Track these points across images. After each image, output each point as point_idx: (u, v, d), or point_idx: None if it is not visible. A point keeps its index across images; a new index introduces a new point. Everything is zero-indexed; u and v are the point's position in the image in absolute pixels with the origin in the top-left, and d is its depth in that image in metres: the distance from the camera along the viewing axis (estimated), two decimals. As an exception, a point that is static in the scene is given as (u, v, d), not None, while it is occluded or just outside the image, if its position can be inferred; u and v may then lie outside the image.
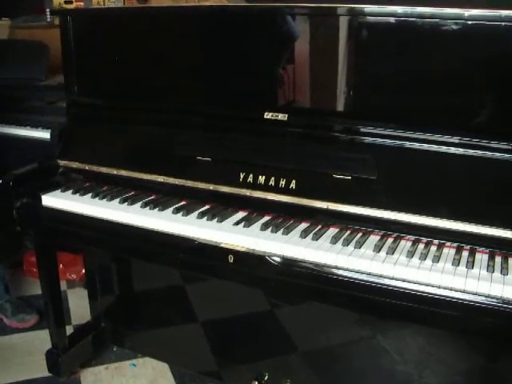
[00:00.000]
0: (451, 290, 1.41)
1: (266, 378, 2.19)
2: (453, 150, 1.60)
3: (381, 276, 1.47)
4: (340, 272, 1.52)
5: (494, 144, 1.56)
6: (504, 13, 1.48)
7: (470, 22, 1.53)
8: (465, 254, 1.52)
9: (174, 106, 1.97)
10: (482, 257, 1.51)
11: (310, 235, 1.62)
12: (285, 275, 1.60)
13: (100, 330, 2.50)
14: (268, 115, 1.78)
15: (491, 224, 1.50)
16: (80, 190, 1.97)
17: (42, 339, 2.49)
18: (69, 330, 2.56)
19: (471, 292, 1.39)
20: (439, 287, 1.42)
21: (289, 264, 1.57)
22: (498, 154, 1.55)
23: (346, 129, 1.73)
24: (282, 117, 1.77)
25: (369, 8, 1.64)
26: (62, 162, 2.10)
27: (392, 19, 1.62)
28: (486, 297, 1.37)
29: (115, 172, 2.01)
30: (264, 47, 1.81)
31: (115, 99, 2.10)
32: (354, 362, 2.04)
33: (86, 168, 2.06)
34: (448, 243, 1.57)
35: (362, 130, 1.70)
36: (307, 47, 1.75)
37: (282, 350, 2.16)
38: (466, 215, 1.53)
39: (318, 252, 1.55)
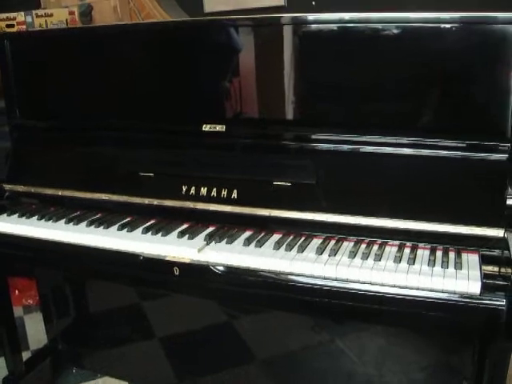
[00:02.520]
0: (394, 286, 1.34)
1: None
2: (388, 149, 1.54)
3: (324, 278, 1.40)
4: (283, 277, 1.44)
5: (429, 141, 1.51)
6: (443, 15, 1.44)
7: (410, 25, 1.49)
8: (406, 250, 1.46)
9: (115, 123, 1.88)
10: (423, 252, 1.45)
11: (253, 243, 1.54)
12: (231, 284, 1.51)
13: (58, 353, 2.36)
14: (206, 127, 1.71)
15: (430, 220, 1.45)
16: (26, 213, 1.86)
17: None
18: (27, 355, 2.41)
19: (414, 287, 1.32)
20: (382, 285, 1.35)
21: (233, 272, 1.49)
22: (429, 151, 1.51)
23: (283, 136, 1.66)
24: (219, 128, 1.69)
25: (304, 17, 1.58)
26: (7, 187, 1.98)
27: (332, 26, 1.57)
28: (429, 291, 1.30)
29: (60, 193, 1.91)
30: (200, 60, 1.74)
31: (57, 120, 2.00)
32: (315, 367, 1.94)
33: (32, 191, 1.95)
34: (390, 241, 1.51)
35: (299, 135, 1.64)
36: (243, 58, 1.69)
37: (241, 361, 2.07)
38: (405, 213, 1.48)
39: (261, 258, 1.47)
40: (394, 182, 1.53)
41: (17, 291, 2.71)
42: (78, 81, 1.95)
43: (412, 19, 1.48)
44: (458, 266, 1.35)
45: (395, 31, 1.50)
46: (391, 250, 1.48)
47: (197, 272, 1.53)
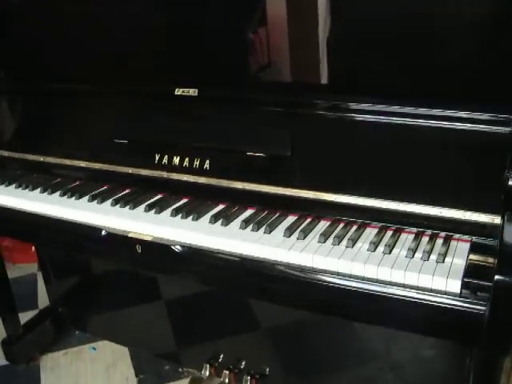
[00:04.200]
0: (363, 279, 1.13)
1: (219, 360, 1.95)
2: (370, 118, 1.29)
3: (288, 266, 1.20)
4: (248, 262, 1.24)
5: (421, 111, 1.24)
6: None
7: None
8: (388, 234, 1.24)
9: (89, 87, 1.70)
10: (407, 237, 1.23)
11: (220, 221, 1.34)
12: (192, 265, 1.33)
13: (59, 315, 2.28)
14: (179, 91, 1.49)
15: (415, 200, 1.22)
16: (6, 181, 1.72)
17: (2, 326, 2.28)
18: (34, 314, 2.35)
19: (385, 281, 1.11)
20: (350, 276, 1.14)
21: (194, 253, 1.30)
22: (420, 121, 1.24)
23: (258, 101, 1.43)
24: (192, 92, 1.48)
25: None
26: (-7, 152, 1.85)
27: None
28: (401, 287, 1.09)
29: (42, 159, 1.76)
30: (172, 18, 1.52)
31: (36, 83, 1.83)
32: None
33: (16, 156, 1.82)
34: (372, 223, 1.29)
35: (276, 100, 1.40)
36: (214, 16, 1.45)
37: (240, 331, 1.91)
38: (388, 192, 1.25)
39: (222, 239, 1.28)
40: (378, 156, 1.28)
41: (33, 247, 2.62)
42: (54, 40, 1.76)
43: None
44: (441, 258, 1.11)
45: None
46: (371, 232, 1.26)
47: (157, 251, 1.35)
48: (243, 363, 1.92)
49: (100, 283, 2.20)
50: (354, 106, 1.30)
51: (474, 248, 1.16)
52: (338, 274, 1.15)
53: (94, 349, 2.21)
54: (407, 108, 1.24)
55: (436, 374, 1.56)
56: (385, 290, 1.09)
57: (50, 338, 2.23)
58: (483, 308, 1.01)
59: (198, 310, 1.99)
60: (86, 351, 2.21)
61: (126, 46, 1.62)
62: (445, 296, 1.05)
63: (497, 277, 0.98)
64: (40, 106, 1.80)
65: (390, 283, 1.10)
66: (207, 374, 1.93)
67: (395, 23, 1.27)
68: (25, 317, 2.27)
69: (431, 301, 1.06)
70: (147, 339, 2.13)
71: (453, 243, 1.19)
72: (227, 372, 1.90)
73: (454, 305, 1.04)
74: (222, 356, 1.96)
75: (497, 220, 1.14)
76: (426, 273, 1.08)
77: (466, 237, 1.19)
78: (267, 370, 1.88)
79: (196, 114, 1.48)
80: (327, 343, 1.73)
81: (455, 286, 1.05)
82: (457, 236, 1.20)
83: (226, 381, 1.90)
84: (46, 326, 2.22)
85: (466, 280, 1.05)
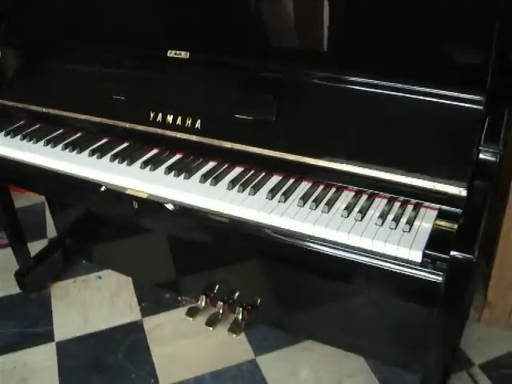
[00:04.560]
0: (335, 244, 1.24)
1: (215, 291, 2.11)
2: (349, 88, 1.35)
3: (270, 228, 1.30)
4: (231, 221, 1.35)
5: (399, 85, 1.30)
6: None
7: None
8: (363, 198, 1.34)
9: (92, 45, 1.73)
10: (380, 202, 1.32)
11: (209, 180, 1.44)
12: (185, 222, 1.44)
13: (67, 246, 2.42)
14: (171, 53, 1.54)
15: (390, 168, 1.30)
16: (11, 132, 1.80)
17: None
18: (43, 243, 2.50)
19: (355, 247, 1.22)
20: (324, 241, 1.25)
21: (185, 212, 1.41)
22: (398, 94, 1.30)
23: (247, 67, 1.48)
24: (184, 54, 1.52)
25: None
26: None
27: None
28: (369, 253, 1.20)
29: (44, 110, 1.82)
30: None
31: (40, 37, 1.86)
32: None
33: (20, 106, 1.88)
34: (349, 187, 1.38)
35: (264, 66, 1.46)
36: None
37: (234, 265, 2.05)
38: (366, 159, 1.33)
39: (210, 200, 1.38)
40: (356, 125, 1.35)
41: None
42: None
43: None
44: (407, 227, 1.21)
45: None
46: (348, 195, 1.35)
47: (152, 208, 1.46)
48: (236, 295, 2.07)
49: (103, 215, 2.31)
50: (337, 76, 1.35)
51: (442, 215, 1.25)
52: (313, 238, 1.25)
53: (100, 277, 2.37)
54: (385, 82, 1.29)
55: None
56: (353, 256, 1.20)
57: (59, 268, 2.38)
58: (440, 278, 1.12)
59: (197, 243, 2.11)
60: (92, 280, 2.37)
61: (127, 8, 1.64)
62: (407, 264, 1.16)
63: (452, 252, 1.08)
64: (42, 59, 1.84)
65: (359, 249, 1.20)
66: (203, 304, 2.09)
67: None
68: (34, 246, 2.40)
69: (395, 268, 1.17)
70: (148, 269, 2.27)
71: (422, 210, 1.29)
72: (221, 303, 2.06)
73: (414, 273, 1.15)
74: (217, 287, 2.11)
75: (464, 192, 1.23)
76: (392, 242, 1.18)
77: (434, 205, 1.28)
78: (258, 301, 2.03)
79: (187, 75, 1.54)
80: (315, 281, 1.86)
81: (417, 256, 1.15)
82: (426, 204, 1.29)
83: (221, 311, 2.07)
84: (55, 257, 2.36)
85: (426, 252, 1.15)
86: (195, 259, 2.13)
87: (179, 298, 2.23)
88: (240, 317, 2.03)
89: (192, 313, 2.09)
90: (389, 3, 1.31)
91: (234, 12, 1.49)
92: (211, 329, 2.02)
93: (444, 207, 1.27)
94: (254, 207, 1.33)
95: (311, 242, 1.25)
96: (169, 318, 2.15)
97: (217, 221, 1.37)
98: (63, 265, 2.41)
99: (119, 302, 2.25)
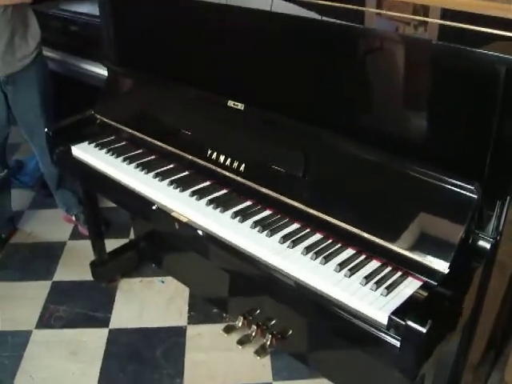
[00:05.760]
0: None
1: (254, 315, 2.29)
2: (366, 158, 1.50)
3: (286, 275, 1.47)
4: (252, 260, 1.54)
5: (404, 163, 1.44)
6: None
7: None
8: (361, 257, 1.48)
9: (176, 83, 1.99)
10: (374, 264, 1.46)
11: (238, 217, 1.64)
12: (210, 250, 1.67)
13: (140, 249, 2.73)
14: (230, 103, 1.78)
15: (387, 237, 1.43)
16: (99, 145, 2.12)
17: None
18: (124, 242, 2.84)
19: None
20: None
21: (212, 240, 1.63)
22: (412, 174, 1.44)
23: (286, 124, 1.68)
24: (240, 106, 1.76)
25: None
26: (98, 116, 2.25)
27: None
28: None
29: (130, 131, 2.12)
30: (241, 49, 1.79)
31: (136, 70, 2.18)
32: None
33: (113, 124, 2.20)
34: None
35: (301, 128, 1.65)
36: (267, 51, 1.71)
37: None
38: (367, 225, 1.47)
39: (227, 231, 1.61)
40: (370, 196, 1.50)
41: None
42: (154, 40, 2.10)
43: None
44: (385, 291, 1.34)
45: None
46: (348, 252, 1.50)
47: (189, 231, 1.69)
48: (271, 323, 2.23)
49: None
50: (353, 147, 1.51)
51: (426, 286, 1.36)
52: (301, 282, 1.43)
53: (163, 282, 2.65)
54: (397, 160, 1.44)
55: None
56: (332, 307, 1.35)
57: (130, 266, 2.69)
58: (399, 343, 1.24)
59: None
60: (155, 283, 2.65)
61: (208, 61, 1.91)
62: (374, 324, 1.28)
63: (408, 320, 1.20)
64: (137, 87, 2.16)
65: (337, 301, 1.35)
66: (240, 324, 2.28)
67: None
68: (116, 243, 2.76)
69: (365, 326, 1.30)
70: (203, 284, 2.50)
71: (409, 278, 1.40)
72: (255, 327, 2.24)
73: (379, 334, 1.27)
74: (257, 312, 2.29)
75: (447, 271, 1.33)
76: (366, 302, 1.31)
77: (421, 276, 1.39)
78: (289, 333, 2.18)
79: (240, 124, 1.76)
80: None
81: (383, 318, 1.27)
82: (414, 273, 1.40)
83: (253, 334, 2.24)
84: (128, 256, 2.67)
85: (391, 316, 1.26)
86: (244, 285, 2.32)
87: (224, 315, 2.44)
88: (268, 343, 2.18)
89: (228, 329, 2.28)
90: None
91: (285, 80, 1.69)
92: (240, 347, 2.19)
93: (429, 280, 1.37)
94: (266, 247, 1.51)
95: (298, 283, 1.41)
96: (209, 330, 2.37)
97: (237, 252, 1.57)
98: (135, 264, 2.71)
99: (172, 307, 2.50)
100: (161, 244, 2.66)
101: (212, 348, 2.27)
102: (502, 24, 1.41)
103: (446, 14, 1.57)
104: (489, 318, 1.63)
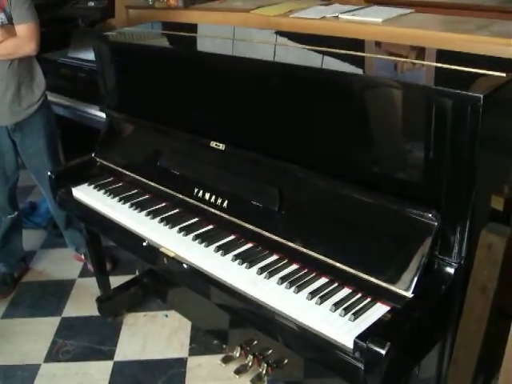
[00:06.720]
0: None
1: (251, 345, 2.34)
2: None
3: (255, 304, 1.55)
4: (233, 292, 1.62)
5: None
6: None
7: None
8: (333, 285, 1.55)
9: (164, 127, 2.11)
10: (345, 291, 1.53)
11: (221, 251, 1.72)
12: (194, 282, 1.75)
13: (145, 284, 2.81)
14: (213, 144, 1.88)
15: (356, 266, 1.50)
16: (97, 187, 2.23)
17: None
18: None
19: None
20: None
21: (196, 273, 1.72)
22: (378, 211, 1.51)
23: (261, 162, 1.77)
24: (221, 146, 1.85)
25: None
26: (97, 159, 2.38)
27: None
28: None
29: (126, 172, 2.23)
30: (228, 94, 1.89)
31: (131, 115, 2.30)
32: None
33: (111, 166, 2.32)
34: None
35: (272, 164, 1.75)
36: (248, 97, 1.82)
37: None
38: (335, 253, 1.54)
39: (216, 267, 1.69)
40: (339, 229, 1.58)
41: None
42: (145, 88, 2.23)
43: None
44: (352, 317, 1.40)
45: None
46: (321, 281, 1.57)
47: (176, 265, 1.78)
48: (268, 352, 2.28)
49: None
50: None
51: (393, 311, 1.42)
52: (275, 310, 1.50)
53: (167, 316, 2.71)
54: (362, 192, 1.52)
55: None
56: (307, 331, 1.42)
57: (135, 301, 2.77)
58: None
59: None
60: (159, 317, 2.72)
61: (192, 107, 2.03)
62: (343, 349, 1.34)
63: (368, 342, 1.26)
64: (128, 131, 2.29)
65: (308, 327, 1.42)
66: (237, 354, 2.34)
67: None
68: (122, 279, 2.85)
69: (332, 350, 1.36)
70: (204, 318, 2.56)
71: (378, 304, 1.46)
72: (251, 356, 2.29)
73: (345, 357, 1.33)
74: (254, 343, 2.34)
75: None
76: (334, 327, 1.38)
77: (389, 302, 1.45)
78: (284, 362, 2.23)
79: (221, 163, 1.86)
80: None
81: (349, 341, 1.33)
82: (382, 299, 1.46)
83: (250, 363, 2.29)
84: (133, 291, 2.76)
85: (356, 340, 1.32)
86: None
87: (223, 346, 2.49)
88: (264, 372, 2.23)
89: (226, 360, 2.33)
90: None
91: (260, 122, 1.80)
92: (237, 377, 2.24)
93: (396, 305, 1.43)
94: (244, 280, 1.59)
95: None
96: (209, 361, 2.42)
97: (219, 283, 1.64)
98: (140, 299, 2.79)
99: (175, 339, 2.57)
100: (164, 279, 2.73)
101: (211, 378, 2.33)
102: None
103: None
104: (475, 343, 1.66)
